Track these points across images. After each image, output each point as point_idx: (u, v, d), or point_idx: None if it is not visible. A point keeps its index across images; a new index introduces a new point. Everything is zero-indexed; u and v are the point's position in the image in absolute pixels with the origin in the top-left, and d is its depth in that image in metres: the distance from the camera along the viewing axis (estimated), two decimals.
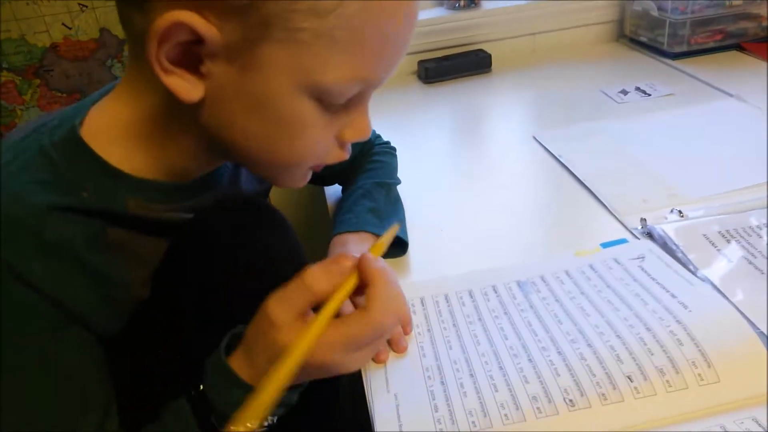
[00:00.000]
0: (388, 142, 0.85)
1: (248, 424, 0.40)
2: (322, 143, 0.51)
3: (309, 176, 0.56)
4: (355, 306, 0.50)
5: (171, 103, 0.46)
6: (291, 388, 0.48)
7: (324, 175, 0.76)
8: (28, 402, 0.45)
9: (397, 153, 0.86)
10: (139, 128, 0.50)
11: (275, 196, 1.33)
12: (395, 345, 0.57)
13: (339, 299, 0.45)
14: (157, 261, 0.52)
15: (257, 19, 0.41)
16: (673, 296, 0.58)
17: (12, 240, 0.43)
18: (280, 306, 0.44)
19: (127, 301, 0.51)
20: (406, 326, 0.59)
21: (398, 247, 0.70)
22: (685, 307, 0.56)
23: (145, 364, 0.52)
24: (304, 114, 0.47)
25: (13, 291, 0.43)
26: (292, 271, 0.46)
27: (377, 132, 0.86)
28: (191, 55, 0.43)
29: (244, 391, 0.44)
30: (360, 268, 0.46)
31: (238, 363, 0.47)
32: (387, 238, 0.53)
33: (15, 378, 0.44)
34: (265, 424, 0.47)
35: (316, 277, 0.45)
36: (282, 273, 0.47)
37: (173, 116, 0.48)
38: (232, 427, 0.40)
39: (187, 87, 0.44)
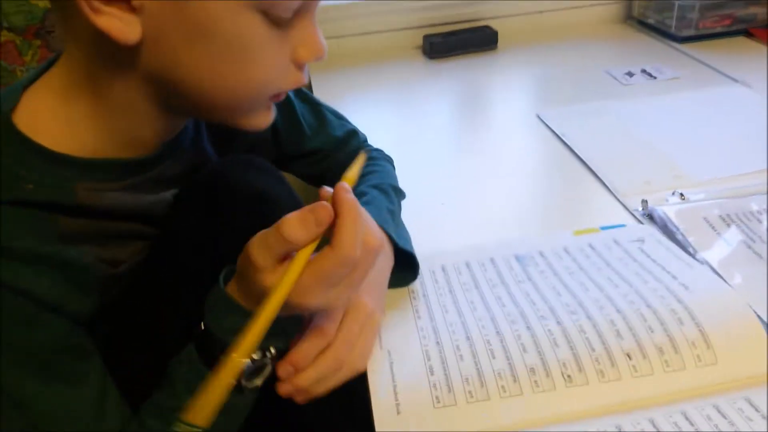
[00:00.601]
0: (380, 150, 0.79)
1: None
2: (277, 65, 0.48)
3: (273, 112, 0.53)
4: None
5: (106, 53, 0.43)
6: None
7: (323, 175, 0.75)
8: (31, 396, 0.45)
9: (400, 128, 0.85)
10: (77, 96, 0.47)
11: None
12: None
13: (313, 243, 0.45)
14: (120, 242, 0.51)
15: None
16: (674, 277, 0.58)
17: None
18: (260, 251, 0.44)
19: (96, 283, 0.50)
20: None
21: (410, 270, 0.63)
22: (686, 287, 0.56)
23: (150, 330, 0.52)
24: (252, 33, 0.44)
25: None
26: None
27: (374, 138, 0.83)
28: None
29: (242, 316, 0.44)
30: (333, 200, 0.45)
31: (234, 292, 0.47)
32: (358, 166, 0.49)
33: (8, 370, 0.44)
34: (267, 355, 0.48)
35: (292, 226, 0.43)
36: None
37: (111, 69, 0.45)
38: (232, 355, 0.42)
39: (121, 26, 0.41)
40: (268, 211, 0.51)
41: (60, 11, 0.45)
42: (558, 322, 0.54)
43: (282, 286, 0.43)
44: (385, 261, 0.58)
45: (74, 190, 0.47)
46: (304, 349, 0.48)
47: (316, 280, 0.44)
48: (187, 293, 0.51)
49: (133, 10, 0.41)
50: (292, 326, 0.50)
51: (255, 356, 0.47)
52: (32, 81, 0.49)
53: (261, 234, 0.44)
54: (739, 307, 0.54)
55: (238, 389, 0.46)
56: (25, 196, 0.45)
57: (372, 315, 0.52)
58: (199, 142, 0.60)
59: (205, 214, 0.53)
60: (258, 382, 0.48)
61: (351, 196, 0.45)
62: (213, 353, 0.46)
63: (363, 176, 0.70)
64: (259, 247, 0.44)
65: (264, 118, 0.52)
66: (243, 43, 0.44)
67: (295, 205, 0.54)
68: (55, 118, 0.47)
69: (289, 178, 0.63)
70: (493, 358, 0.51)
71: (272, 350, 0.48)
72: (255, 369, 0.48)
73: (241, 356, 0.42)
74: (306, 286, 0.44)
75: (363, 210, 0.47)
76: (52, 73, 0.49)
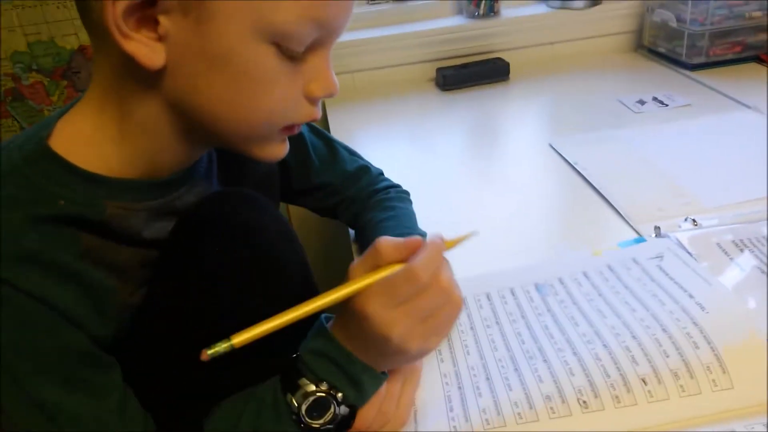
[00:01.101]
0: (398, 185, 0.81)
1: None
2: (288, 98, 0.50)
3: (286, 145, 0.55)
4: None
5: (132, 76, 0.47)
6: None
7: (335, 209, 0.77)
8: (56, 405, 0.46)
9: (415, 159, 0.86)
10: (105, 119, 0.50)
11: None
12: None
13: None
14: (133, 269, 0.52)
15: None
16: (691, 296, 0.58)
17: None
18: (355, 268, 0.48)
19: (113, 308, 0.51)
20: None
21: None
22: (703, 308, 0.57)
23: (154, 367, 0.53)
24: (264, 64, 0.47)
25: (4, 296, 0.44)
26: (290, 253, 0.50)
27: (387, 164, 0.85)
28: (148, 20, 0.44)
29: (327, 340, 0.49)
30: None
31: (333, 326, 0.50)
32: (463, 238, 0.52)
33: (32, 379, 0.46)
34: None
35: (386, 243, 0.48)
36: (280, 254, 0.50)
37: (136, 93, 0.48)
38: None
39: (147, 52, 0.45)
40: (256, 241, 0.54)
41: (93, 35, 0.48)
42: (574, 353, 0.54)
43: (345, 287, 0.47)
44: None
45: (104, 207, 0.50)
46: None
47: (380, 287, 0.46)
48: (182, 323, 0.52)
49: (159, 37, 0.45)
50: (370, 381, 0.49)
51: (314, 387, 0.47)
52: (65, 111, 0.52)
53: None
54: (756, 328, 0.54)
55: (298, 422, 0.47)
56: (56, 212, 0.47)
57: (414, 369, 0.54)
58: (210, 177, 0.62)
59: (195, 245, 0.54)
60: (320, 422, 0.47)
61: (442, 242, 0.50)
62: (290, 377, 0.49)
63: (380, 221, 0.72)
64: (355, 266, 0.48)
65: (278, 150, 0.54)
66: (256, 74, 0.47)
67: (284, 236, 0.56)
68: (87, 141, 0.50)
69: (299, 210, 0.65)
70: (510, 390, 0.52)
71: (338, 394, 0.48)
72: (314, 403, 0.47)
73: (238, 338, 0.44)
74: (369, 291, 0.47)
75: (448, 264, 0.50)
76: (83, 100, 0.52)
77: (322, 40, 0.49)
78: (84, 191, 0.49)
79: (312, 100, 0.51)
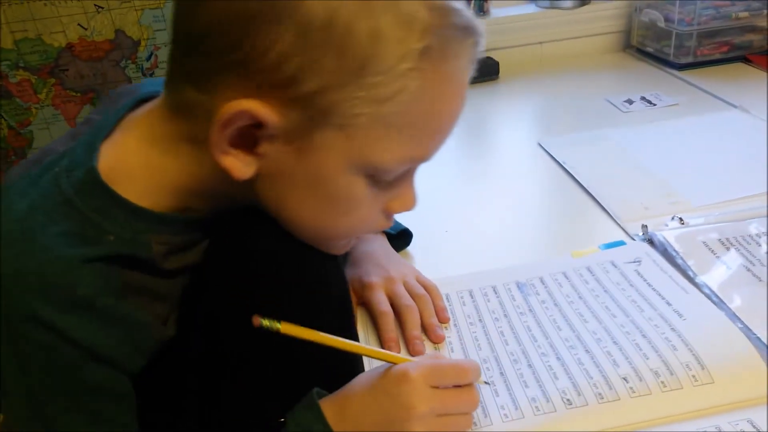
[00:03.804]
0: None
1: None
2: (370, 217, 0.51)
3: (352, 244, 0.58)
4: None
5: (218, 173, 0.46)
6: None
7: None
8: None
9: None
10: (169, 181, 0.49)
11: None
12: (432, 334, 0.59)
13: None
14: (173, 300, 0.52)
15: (320, 107, 0.42)
16: (669, 304, 0.59)
17: (44, 295, 0.43)
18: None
19: (149, 342, 0.51)
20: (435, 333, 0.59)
21: (403, 239, 0.73)
22: (680, 315, 0.57)
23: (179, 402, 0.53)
24: (356, 192, 0.48)
25: (43, 339, 0.44)
26: (330, 283, 0.51)
27: None
28: (249, 135, 0.44)
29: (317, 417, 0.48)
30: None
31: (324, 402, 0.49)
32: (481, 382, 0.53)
33: (60, 416, 0.46)
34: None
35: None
36: (315, 286, 0.51)
37: (214, 182, 0.48)
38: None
39: (240, 166, 0.45)
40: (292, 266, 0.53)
41: (174, 109, 0.47)
42: (558, 358, 0.55)
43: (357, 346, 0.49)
44: None
45: (150, 243, 0.49)
46: None
47: (430, 364, 0.48)
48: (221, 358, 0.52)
49: (257, 155, 0.45)
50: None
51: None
52: (102, 134, 0.50)
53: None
54: (731, 331, 0.55)
55: None
56: (106, 251, 0.46)
57: None
58: None
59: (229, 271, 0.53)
60: None
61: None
62: None
63: None
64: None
65: (343, 249, 0.57)
66: (345, 199, 0.48)
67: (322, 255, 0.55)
68: (137, 179, 0.48)
69: None
70: (497, 396, 0.52)
71: None
72: None
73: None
74: (419, 361, 0.49)
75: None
76: (138, 130, 0.50)
77: (413, 166, 0.51)
78: (131, 226, 0.48)
79: (388, 215, 0.54)
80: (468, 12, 0.45)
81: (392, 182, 0.50)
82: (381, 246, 0.68)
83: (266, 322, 0.45)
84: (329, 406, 0.48)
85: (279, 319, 0.46)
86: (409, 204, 0.53)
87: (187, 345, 0.52)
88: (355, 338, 0.56)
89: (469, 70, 0.47)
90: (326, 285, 0.55)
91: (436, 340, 0.59)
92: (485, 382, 0.53)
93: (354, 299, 0.63)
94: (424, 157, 0.49)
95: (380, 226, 0.54)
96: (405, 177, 0.51)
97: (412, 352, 0.57)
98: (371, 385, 0.49)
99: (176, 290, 0.52)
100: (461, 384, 0.49)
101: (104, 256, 0.46)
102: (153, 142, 0.49)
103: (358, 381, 0.50)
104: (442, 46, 0.43)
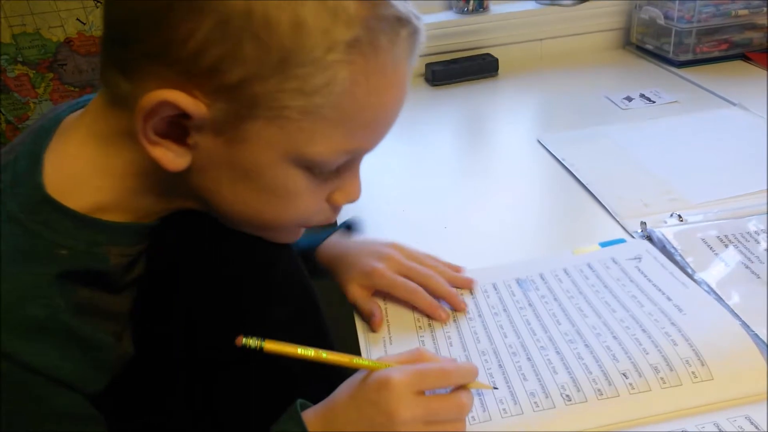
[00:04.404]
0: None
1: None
2: (312, 208, 0.50)
3: (301, 233, 0.56)
4: None
5: (155, 164, 0.45)
6: None
7: None
8: None
9: (404, 153, 0.87)
10: (119, 181, 0.48)
11: None
12: (455, 304, 0.61)
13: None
14: (124, 316, 0.51)
15: (245, 98, 0.41)
16: (669, 299, 0.59)
17: None
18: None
19: (109, 361, 0.49)
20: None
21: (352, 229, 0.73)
22: (680, 310, 0.57)
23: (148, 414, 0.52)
24: (294, 183, 0.47)
25: (3, 372, 0.42)
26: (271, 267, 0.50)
27: None
28: (178, 126, 0.43)
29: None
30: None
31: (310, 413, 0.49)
32: (485, 386, 0.53)
33: None
34: None
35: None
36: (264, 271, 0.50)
37: (157, 174, 0.46)
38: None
39: (172, 157, 0.44)
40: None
41: (109, 103, 0.46)
42: (557, 352, 0.55)
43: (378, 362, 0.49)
44: None
45: (107, 255, 0.47)
46: None
47: (413, 370, 0.48)
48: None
49: (187, 146, 0.44)
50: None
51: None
52: (41, 144, 0.48)
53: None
54: (732, 328, 0.55)
55: None
56: (58, 269, 0.45)
57: None
58: None
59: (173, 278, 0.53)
60: None
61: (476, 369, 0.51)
62: None
63: None
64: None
65: (290, 237, 0.56)
66: (283, 191, 0.47)
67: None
68: (86, 188, 0.47)
69: None
70: (495, 388, 0.52)
71: None
72: None
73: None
74: (400, 367, 0.48)
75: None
76: (77, 136, 0.48)
77: (354, 158, 0.49)
78: (85, 238, 0.46)
79: (334, 207, 0.53)
80: (402, 3, 0.43)
81: (335, 173, 0.49)
82: (345, 240, 0.69)
83: (250, 341, 0.45)
84: (313, 417, 0.48)
85: (263, 337, 0.46)
86: (353, 195, 0.52)
87: (153, 360, 0.51)
88: (324, 325, 0.57)
89: (408, 62, 0.46)
90: (283, 272, 0.55)
91: (459, 308, 0.61)
92: (494, 387, 0.52)
93: (366, 294, 0.63)
94: (362, 150, 0.48)
95: (326, 217, 0.53)
96: (349, 168, 0.50)
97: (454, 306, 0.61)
98: (354, 393, 0.48)
99: (126, 305, 0.51)
100: (445, 387, 0.48)
101: (57, 273, 0.44)
102: (95, 142, 0.47)
103: (342, 390, 0.49)
104: (372, 38, 0.42)
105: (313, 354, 0.47)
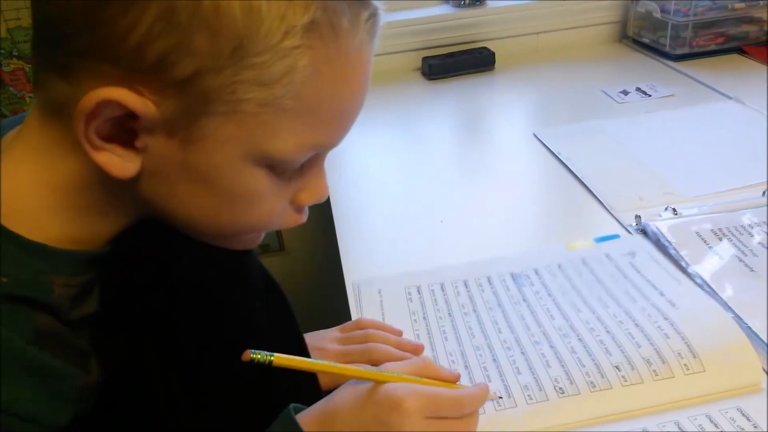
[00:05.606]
0: None
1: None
2: (275, 211, 0.47)
3: (261, 238, 0.53)
4: None
5: (101, 173, 0.41)
6: None
7: None
8: None
9: (399, 147, 0.86)
10: (61, 198, 0.43)
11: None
12: (410, 348, 0.58)
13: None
14: (87, 347, 0.47)
15: (198, 94, 0.38)
16: (662, 294, 0.59)
17: None
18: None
19: (72, 391, 0.45)
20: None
21: None
22: (673, 304, 0.58)
23: None
24: (255, 184, 0.43)
25: None
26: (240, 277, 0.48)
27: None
28: (124, 128, 0.39)
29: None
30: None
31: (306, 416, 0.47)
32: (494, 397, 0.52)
33: None
34: None
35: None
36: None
37: (103, 186, 0.43)
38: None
39: (119, 162, 0.40)
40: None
41: (47, 112, 0.42)
42: (551, 346, 0.55)
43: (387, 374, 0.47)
44: None
45: (50, 285, 0.43)
46: None
47: (427, 393, 0.46)
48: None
49: (136, 149, 0.40)
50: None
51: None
52: None
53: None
54: (724, 320, 0.55)
55: None
56: (1, 291, 0.40)
57: None
58: None
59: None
60: None
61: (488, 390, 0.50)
62: None
63: None
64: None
65: (249, 243, 0.52)
66: (244, 193, 0.44)
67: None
68: (28, 210, 0.43)
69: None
70: (489, 381, 0.53)
71: None
72: None
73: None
74: (415, 389, 0.46)
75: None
76: (11, 153, 0.44)
77: (319, 154, 0.47)
78: (33, 267, 0.42)
79: (299, 208, 0.49)
80: None
81: (299, 171, 0.46)
82: None
83: (258, 356, 0.42)
84: (309, 419, 0.46)
85: (272, 352, 0.43)
86: (320, 194, 0.48)
87: (126, 393, 0.48)
88: (294, 321, 0.54)
89: (370, 47, 0.43)
90: (251, 270, 0.52)
91: (417, 351, 0.57)
92: (499, 397, 0.52)
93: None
94: (328, 144, 0.45)
95: (291, 220, 0.49)
96: (313, 165, 0.47)
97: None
98: (361, 405, 0.46)
99: (84, 341, 0.47)
100: (458, 416, 0.47)
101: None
102: (32, 157, 0.43)
103: (344, 398, 0.47)
104: (331, 20, 0.39)
105: (322, 366, 0.46)
